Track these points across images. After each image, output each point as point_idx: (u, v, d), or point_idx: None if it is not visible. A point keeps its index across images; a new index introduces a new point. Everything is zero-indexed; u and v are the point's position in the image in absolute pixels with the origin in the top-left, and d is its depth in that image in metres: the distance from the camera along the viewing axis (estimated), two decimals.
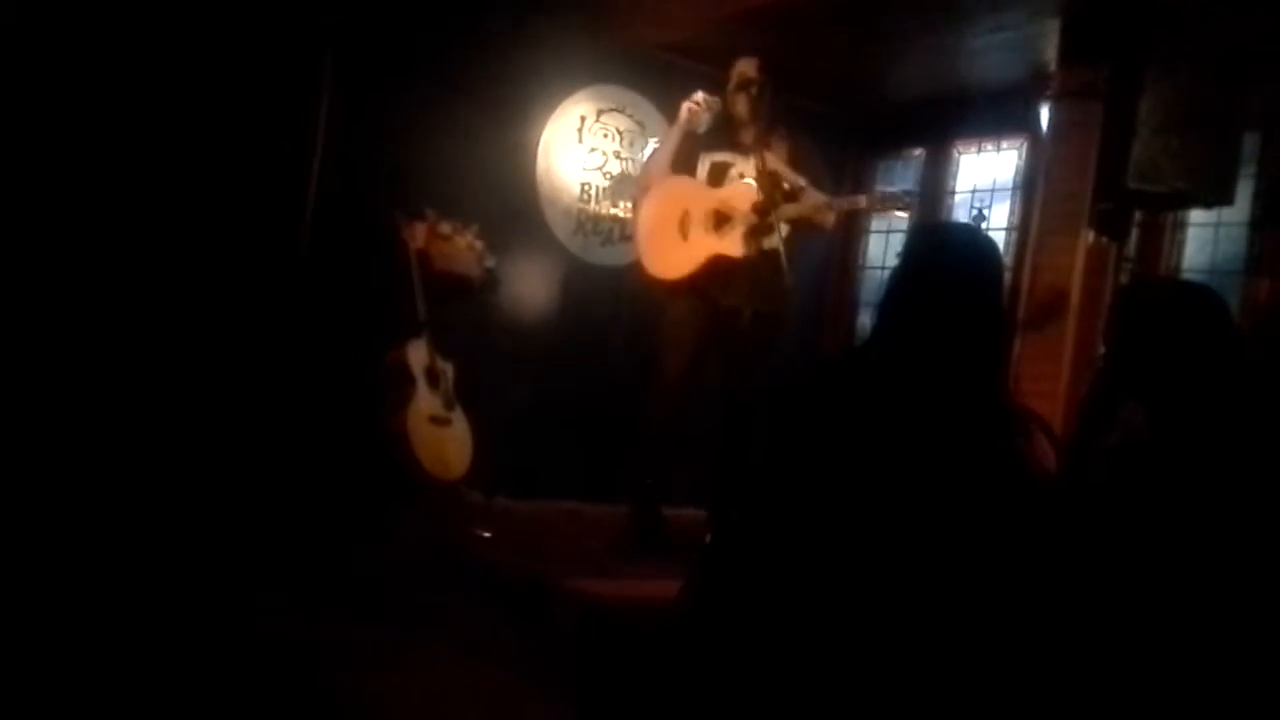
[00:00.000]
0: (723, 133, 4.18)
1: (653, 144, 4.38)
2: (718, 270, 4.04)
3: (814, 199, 3.98)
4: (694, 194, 4.16)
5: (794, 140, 4.17)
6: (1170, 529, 1.88)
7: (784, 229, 3.84)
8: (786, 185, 3.99)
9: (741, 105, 4.08)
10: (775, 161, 4.01)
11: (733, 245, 4.01)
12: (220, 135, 4.27)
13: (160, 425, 4.02)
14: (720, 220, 4.08)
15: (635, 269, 4.38)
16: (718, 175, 4.16)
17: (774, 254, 3.84)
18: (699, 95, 4.14)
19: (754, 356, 3.92)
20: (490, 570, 3.61)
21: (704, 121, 4.17)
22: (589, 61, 5.31)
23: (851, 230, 6.34)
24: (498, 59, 4.98)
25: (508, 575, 3.55)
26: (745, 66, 4.09)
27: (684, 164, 4.22)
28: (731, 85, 4.11)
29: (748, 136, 4.10)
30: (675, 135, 4.21)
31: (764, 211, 3.92)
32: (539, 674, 2.91)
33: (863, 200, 4.19)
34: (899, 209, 4.17)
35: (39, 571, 2.93)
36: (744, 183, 4.06)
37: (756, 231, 3.99)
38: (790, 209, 3.93)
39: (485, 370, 4.74)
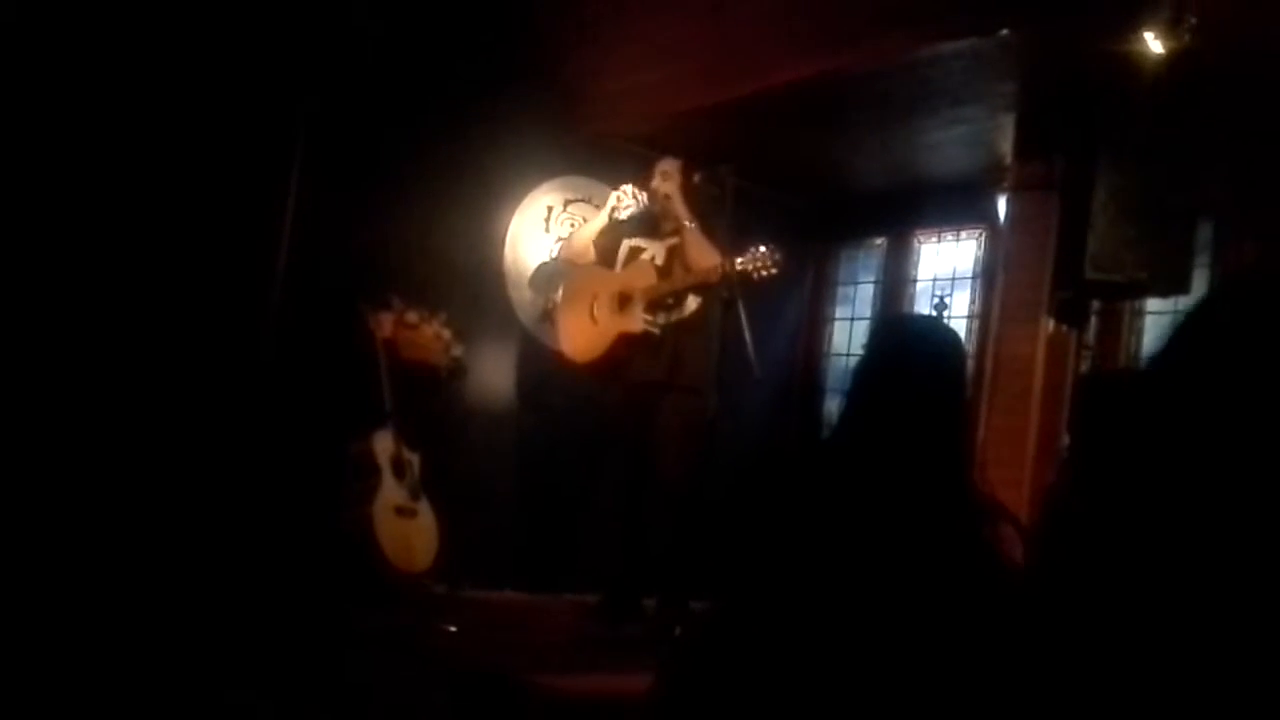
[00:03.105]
0: (645, 221, 4.37)
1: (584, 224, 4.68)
2: (628, 348, 4.20)
3: (699, 262, 4.05)
4: (601, 279, 4.41)
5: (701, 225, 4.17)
6: (1138, 615, 1.89)
7: (692, 302, 4.10)
8: (688, 260, 4.12)
9: (658, 199, 4.26)
10: (690, 235, 4.11)
11: (633, 322, 4.16)
12: (186, 222, 4.25)
13: (122, 518, 3.94)
14: (623, 300, 4.26)
15: (558, 356, 4.63)
16: (631, 259, 4.35)
17: (693, 329, 4.06)
18: (626, 187, 4.42)
19: (686, 434, 3.99)
20: (456, 665, 3.55)
21: (626, 210, 4.41)
22: (557, 153, 5.37)
23: (816, 318, 6.41)
24: (466, 149, 5.02)
25: (474, 670, 3.49)
26: (665, 165, 4.26)
27: (609, 250, 4.44)
28: (654, 180, 4.27)
29: (667, 225, 4.25)
30: (599, 220, 4.50)
31: (661, 287, 4.15)
32: None
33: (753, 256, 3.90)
34: (766, 269, 3.90)
35: None
36: (642, 261, 4.27)
37: (655, 307, 4.16)
38: (678, 279, 4.13)
39: (452, 460, 4.71)
